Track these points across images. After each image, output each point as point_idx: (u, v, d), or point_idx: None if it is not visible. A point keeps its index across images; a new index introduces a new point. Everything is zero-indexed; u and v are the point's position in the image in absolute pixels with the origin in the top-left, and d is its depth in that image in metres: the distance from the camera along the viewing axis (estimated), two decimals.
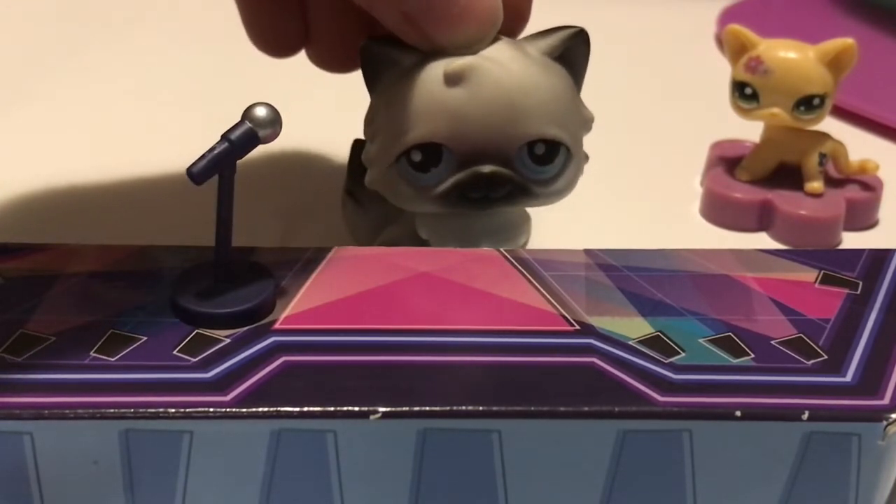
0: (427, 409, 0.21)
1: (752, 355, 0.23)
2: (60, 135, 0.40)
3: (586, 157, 0.28)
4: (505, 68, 0.26)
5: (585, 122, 0.28)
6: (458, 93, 0.26)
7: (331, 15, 0.31)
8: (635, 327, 0.24)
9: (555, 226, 0.32)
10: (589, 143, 0.28)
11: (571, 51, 0.27)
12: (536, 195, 0.27)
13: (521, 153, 0.26)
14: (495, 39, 0.27)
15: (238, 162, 0.23)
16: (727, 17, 0.49)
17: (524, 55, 0.27)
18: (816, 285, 0.25)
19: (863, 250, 0.27)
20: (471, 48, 0.26)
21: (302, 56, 0.34)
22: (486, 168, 0.26)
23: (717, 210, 0.36)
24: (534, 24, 0.29)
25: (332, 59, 0.32)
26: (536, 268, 0.25)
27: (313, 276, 0.25)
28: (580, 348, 0.23)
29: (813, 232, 0.35)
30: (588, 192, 0.29)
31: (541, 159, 0.27)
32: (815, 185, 0.35)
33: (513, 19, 0.28)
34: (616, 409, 0.21)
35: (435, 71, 0.26)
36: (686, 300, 0.24)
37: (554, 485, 0.22)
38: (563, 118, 0.27)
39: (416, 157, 0.27)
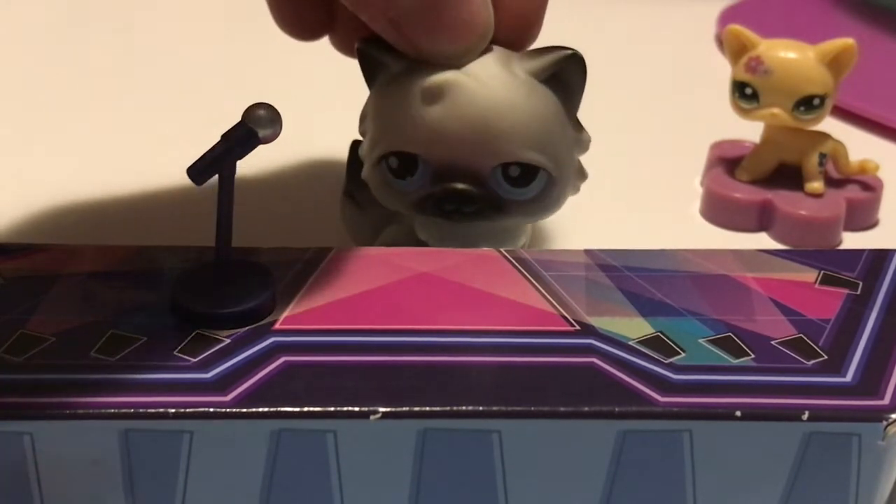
0: (427, 409, 0.21)
1: (752, 355, 0.23)
2: (60, 135, 0.40)
3: (584, 175, 0.28)
4: (484, 87, 0.26)
5: (579, 144, 0.27)
6: (434, 107, 0.26)
7: None
8: (635, 327, 0.24)
9: (555, 226, 0.32)
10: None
11: (564, 73, 0.26)
12: (513, 214, 0.27)
13: (496, 173, 0.26)
14: (487, 51, 0.26)
15: (238, 162, 0.23)
16: (727, 17, 0.49)
17: (509, 74, 0.26)
18: (816, 285, 0.25)
19: (863, 250, 0.27)
20: (458, 59, 0.26)
21: (301, 56, 0.34)
22: (458, 185, 0.26)
23: (717, 210, 0.36)
24: None
25: (353, 46, 0.32)
26: (536, 268, 0.25)
27: (313, 276, 0.25)
28: (580, 348, 0.23)
29: (813, 232, 0.35)
30: (588, 192, 0.29)
31: (516, 181, 0.26)
32: (816, 185, 0.35)
33: (520, 29, 0.27)
34: (616, 409, 0.21)
35: (418, 82, 0.26)
36: (686, 300, 0.24)
37: (554, 485, 0.22)
38: (544, 142, 0.26)
39: (394, 163, 0.27)
